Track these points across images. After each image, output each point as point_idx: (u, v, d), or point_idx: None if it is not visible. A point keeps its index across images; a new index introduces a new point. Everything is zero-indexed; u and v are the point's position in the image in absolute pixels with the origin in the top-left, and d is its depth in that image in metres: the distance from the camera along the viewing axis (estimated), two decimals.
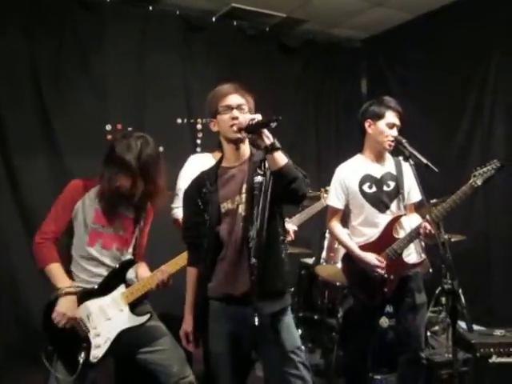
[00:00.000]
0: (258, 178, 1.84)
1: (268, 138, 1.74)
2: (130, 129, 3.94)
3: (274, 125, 1.71)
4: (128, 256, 2.31)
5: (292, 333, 1.93)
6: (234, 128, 1.83)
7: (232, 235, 1.85)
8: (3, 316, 3.56)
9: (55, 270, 2.15)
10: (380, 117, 2.54)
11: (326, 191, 2.94)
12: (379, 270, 2.47)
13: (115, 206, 2.22)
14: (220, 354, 1.89)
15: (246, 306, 1.79)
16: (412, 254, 2.59)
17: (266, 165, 1.84)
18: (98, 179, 2.25)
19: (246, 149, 1.94)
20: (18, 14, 3.64)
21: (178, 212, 2.58)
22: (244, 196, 1.86)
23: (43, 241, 2.17)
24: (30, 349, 3.37)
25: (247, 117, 1.80)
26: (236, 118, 1.84)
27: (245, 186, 1.87)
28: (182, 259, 2.22)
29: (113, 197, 2.18)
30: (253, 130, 1.76)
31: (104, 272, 2.23)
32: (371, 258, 2.49)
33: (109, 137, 3.89)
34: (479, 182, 2.35)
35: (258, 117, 1.76)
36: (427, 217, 2.36)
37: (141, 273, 2.33)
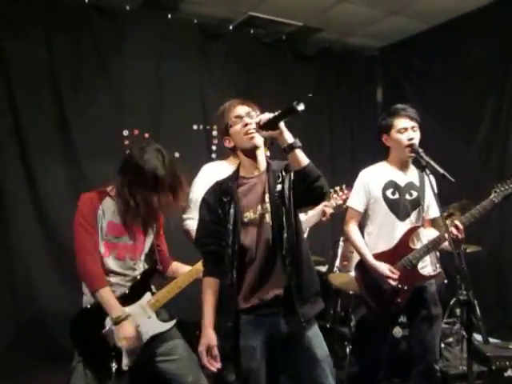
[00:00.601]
0: (279, 187, 1.85)
1: (289, 136, 1.73)
2: (146, 135, 4.01)
3: (301, 108, 1.63)
4: (141, 265, 2.34)
5: (322, 340, 1.91)
6: (251, 134, 1.81)
7: (259, 245, 1.83)
8: (21, 317, 3.60)
9: (106, 295, 2.14)
10: (390, 128, 2.55)
11: (335, 191, 2.94)
12: (391, 282, 2.45)
13: (133, 220, 2.23)
14: (253, 371, 1.81)
15: (278, 314, 1.80)
16: (428, 266, 2.57)
17: (283, 173, 1.86)
18: (104, 190, 2.27)
19: (262, 159, 1.93)
20: (38, 20, 3.72)
21: (191, 223, 2.56)
22: (268, 206, 1.85)
23: (93, 264, 2.15)
24: (47, 350, 3.44)
25: (266, 115, 1.75)
26: (247, 125, 1.83)
27: (267, 196, 1.86)
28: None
29: (142, 212, 2.19)
30: (274, 124, 1.70)
31: (120, 281, 2.24)
32: (384, 268, 2.47)
33: (126, 142, 3.95)
34: (500, 198, 2.37)
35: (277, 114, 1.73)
36: (459, 219, 2.39)
37: (182, 270, 2.38)
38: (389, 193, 2.57)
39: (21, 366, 3.35)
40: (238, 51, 4.55)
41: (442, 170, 2.17)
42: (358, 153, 5.07)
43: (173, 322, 2.25)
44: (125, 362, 2.12)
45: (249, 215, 1.86)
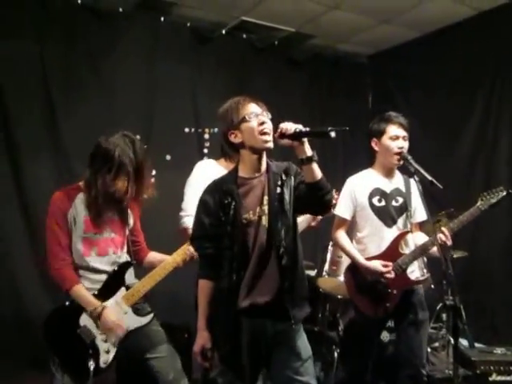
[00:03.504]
0: (278, 190, 1.86)
1: (309, 149, 1.74)
2: (138, 137, 3.98)
3: (333, 135, 1.71)
4: (124, 256, 2.32)
5: (306, 341, 1.94)
6: (266, 135, 1.80)
7: (255, 246, 1.84)
8: (5, 321, 3.54)
9: (79, 292, 2.14)
10: (382, 133, 2.58)
11: None
12: (387, 275, 2.47)
13: (103, 211, 2.19)
14: (240, 369, 1.84)
15: (269, 315, 1.83)
16: (415, 271, 2.60)
17: (284, 176, 1.88)
18: (78, 185, 2.24)
19: (264, 160, 1.91)
20: (30, 21, 3.69)
21: (188, 221, 2.53)
22: (266, 208, 1.85)
23: (60, 266, 2.15)
24: (32, 354, 3.39)
25: (292, 124, 1.75)
26: (264, 124, 1.81)
27: (266, 198, 1.86)
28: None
29: (105, 202, 2.16)
30: (299, 138, 1.72)
31: (104, 278, 2.23)
32: (376, 264, 2.49)
33: None
34: (486, 206, 2.44)
35: (300, 126, 1.75)
36: (447, 225, 2.44)
37: (158, 260, 2.36)
38: (375, 200, 2.60)
39: (4, 370, 3.29)
40: (231, 55, 4.57)
41: (430, 177, 2.20)
42: (350, 159, 5.10)
43: (150, 317, 2.24)
44: (103, 359, 2.10)
45: (248, 217, 1.85)
